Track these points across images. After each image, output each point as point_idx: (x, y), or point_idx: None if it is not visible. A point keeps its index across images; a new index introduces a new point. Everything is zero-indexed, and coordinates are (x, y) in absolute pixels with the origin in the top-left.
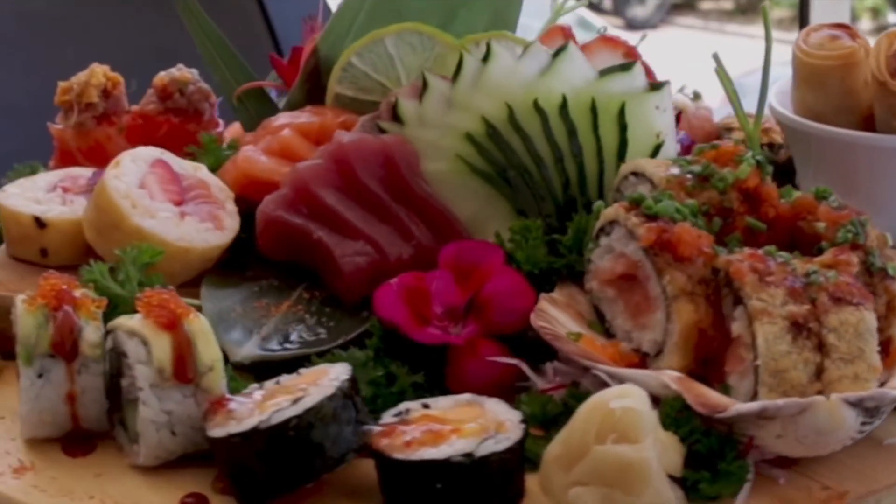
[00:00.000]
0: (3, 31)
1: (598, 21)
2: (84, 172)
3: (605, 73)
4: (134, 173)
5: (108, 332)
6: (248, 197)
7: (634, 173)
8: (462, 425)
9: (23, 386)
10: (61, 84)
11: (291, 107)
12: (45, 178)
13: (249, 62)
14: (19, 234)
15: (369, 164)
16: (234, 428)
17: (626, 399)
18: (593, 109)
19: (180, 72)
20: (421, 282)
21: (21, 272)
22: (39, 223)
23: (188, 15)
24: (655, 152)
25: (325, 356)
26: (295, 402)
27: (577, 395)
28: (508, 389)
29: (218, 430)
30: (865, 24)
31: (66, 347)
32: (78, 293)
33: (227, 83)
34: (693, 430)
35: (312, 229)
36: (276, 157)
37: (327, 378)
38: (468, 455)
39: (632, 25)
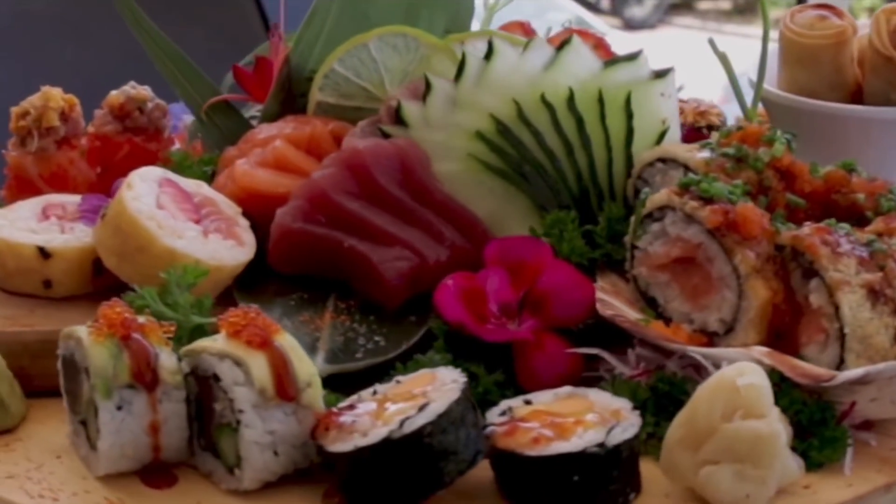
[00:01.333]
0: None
1: (596, 21)
2: (66, 199)
3: (610, 63)
4: (149, 194)
5: (180, 357)
6: (248, 212)
7: (662, 159)
8: (582, 416)
9: (102, 420)
10: (15, 109)
11: (267, 118)
12: (25, 208)
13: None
14: (18, 266)
15: (387, 168)
16: (362, 441)
17: (748, 376)
18: (601, 100)
19: (136, 90)
20: (474, 281)
21: (29, 306)
22: (44, 253)
23: (143, 34)
24: (661, 139)
25: (406, 363)
26: (421, 409)
27: (666, 379)
28: (577, 381)
29: (341, 445)
30: (863, 23)
31: (146, 376)
32: (142, 319)
33: (192, 99)
34: (792, 401)
35: (342, 238)
36: (271, 169)
37: (440, 383)
38: (601, 445)
39: (630, 25)
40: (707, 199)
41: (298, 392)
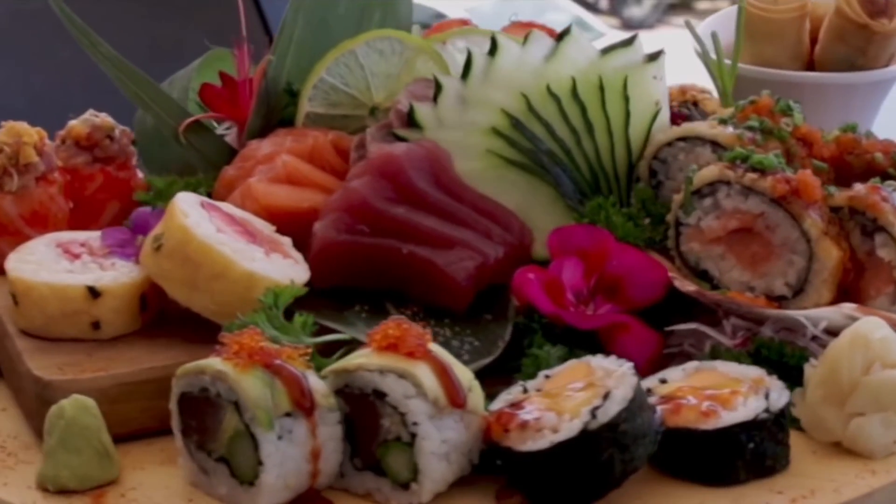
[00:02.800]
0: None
1: (595, 21)
2: (75, 236)
3: (607, 50)
4: (204, 219)
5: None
6: None
7: (683, 138)
8: (736, 387)
9: (266, 453)
10: None
11: (252, 134)
12: (39, 250)
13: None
14: (64, 309)
15: (422, 171)
16: (557, 437)
17: (879, 330)
18: (601, 87)
19: (99, 118)
20: (548, 273)
21: (83, 350)
22: (93, 293)
23: (104, 61)
24: (654, 120)
25: (506, 361)
26: (605, 397)
27: (767, 345)
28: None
29: (533, 444)
30: None
31: (306, 402)
32: (278, 346)
33: (164, 123)
34: None
35: (398, 245)
36: (285, 184)
37: (604, 372)
38: (767, 411)
39: (628, 25)
40: (760, 171)
41: (465, 397)
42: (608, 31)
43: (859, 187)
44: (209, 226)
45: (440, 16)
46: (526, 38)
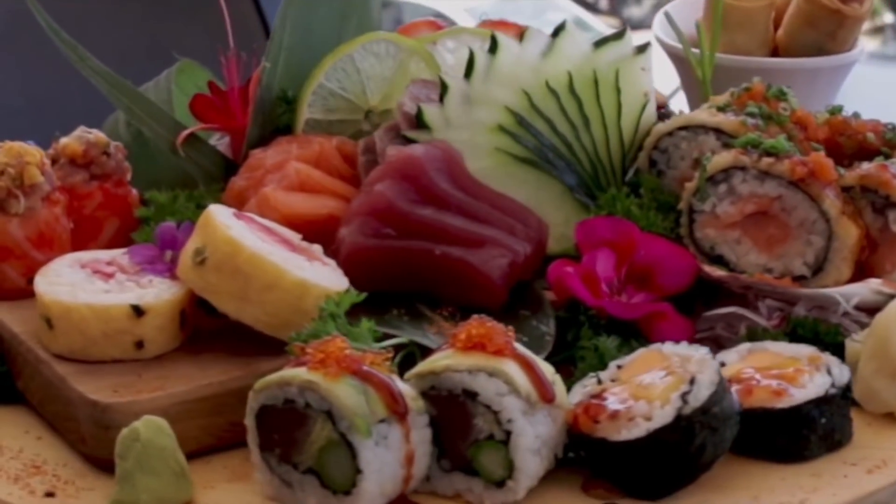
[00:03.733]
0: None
1: (595, 21)
2: (97, 255)
3: (599, 43)
4: (245, 230)
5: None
6: None
7: (685, 127)
8: (797, 365)
9: (365, 460)
10: None
11: (252, 144)
12: (65, 272)
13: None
14: (106, 330)
15: (441, 172)
16: (653, 424)
17: None
18: (595, 81)
19: (92, 134)
20: (581, 266)
21: (130, 371)
22: (138, 311)
23: (96, 77)
24: (643, 111)
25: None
26: (691, 382)
27: (802, 324)
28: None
29: (628, 432)
30: None
31: (400, 407)
32: (359, 352)
33: (160, 136)
34: None
35: (430, 247)
36: (299, 192)
37: (681, 358)
38: (833, 385)
39: (628, 25)
40: (774, 155)
41: (554, 392)
42: (608, 32)
43: (868, 166)
44: (253, 237)
45: (439, 15)
46: (522, 35)
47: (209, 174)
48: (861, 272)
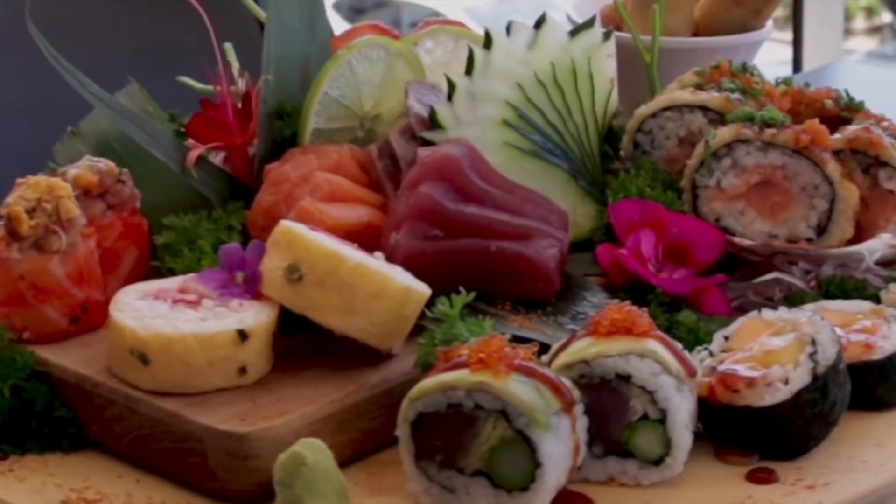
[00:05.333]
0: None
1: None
2: (164, 285)
3: (574, 32)
4: (334, 241)
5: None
6: None
7: (670, 108)
8: (870, 319)
9: (545, 453)
10: (15, 209)
11: (263, 159)
12: (137, 305)
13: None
14: (211, 358)
15: (473, 169)
16: (791, 386)
17: None
18: (574, 70)
19: (101, 162)
20: (629, 246)
21: (242, 399)
22: (242, 336)
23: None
24: (609, 97)
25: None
26: (813, 342)
27: (831, 281)
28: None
29: (772, 397)
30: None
31: (568, 398)
32: (508, 347)
33: (171, 159)
34: None
35: (485, 244)
36: (331, 202)
37: (785, 321)
38: None
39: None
40: (772, 126)
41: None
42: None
43: (853, 128)
44: (345, 247)
45: (437, 15)
46: (508, 28)
47: (219, 194)
48: (857, 230)
